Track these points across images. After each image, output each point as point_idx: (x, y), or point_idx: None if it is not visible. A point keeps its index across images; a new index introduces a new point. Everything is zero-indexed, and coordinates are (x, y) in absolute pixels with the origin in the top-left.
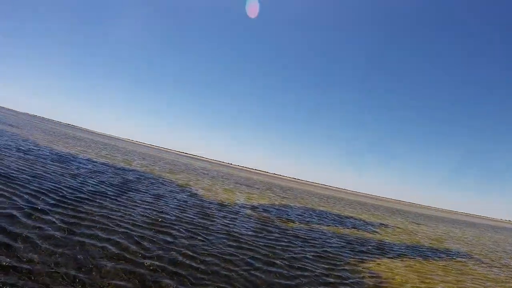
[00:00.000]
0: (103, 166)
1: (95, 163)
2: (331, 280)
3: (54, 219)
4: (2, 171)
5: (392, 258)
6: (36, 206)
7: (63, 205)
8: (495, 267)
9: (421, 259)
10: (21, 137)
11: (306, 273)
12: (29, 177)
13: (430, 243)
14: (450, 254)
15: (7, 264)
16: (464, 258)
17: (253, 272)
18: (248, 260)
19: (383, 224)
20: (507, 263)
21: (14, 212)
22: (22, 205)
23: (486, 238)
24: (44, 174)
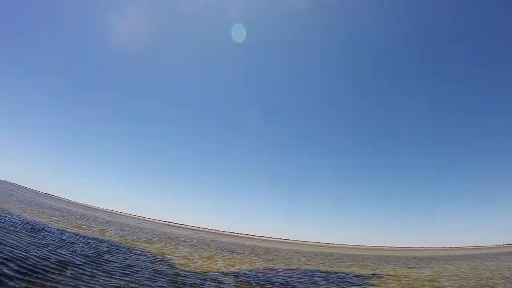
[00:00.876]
0: (76, 236)
1: (68, 234)
2: None
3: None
4: None
5: None
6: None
7: (29, 273)
8: None
9: None
10: None
11: None
12: None
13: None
14: None
15: None
16: None
17: None
18: None
19: (374, 274)
20: None
21: None
22: None
23: (480, 268)
24: (14, 242)
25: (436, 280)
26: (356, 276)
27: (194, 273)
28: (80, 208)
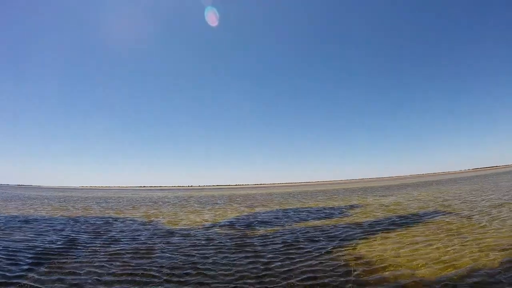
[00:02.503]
0: (68, 218)
1: (58, 218)
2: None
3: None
4: None
5: (369, 235)
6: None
7: (47, 257)
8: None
9: (401, 229)
10: None
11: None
12: None
13: (407, 212)
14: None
15: None
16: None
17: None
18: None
19: (357, 205)
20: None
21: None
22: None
23: (442, 192)
24: (19, 236)
25: (399, 204)
26: (327, 208)
27: (184, 229)
28: (54, 191)
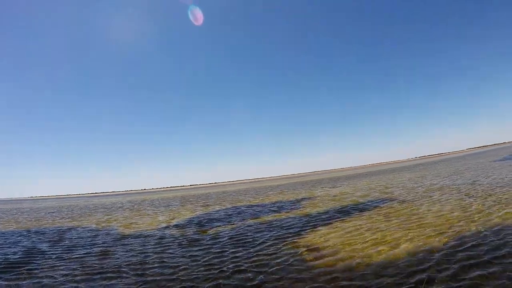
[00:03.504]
0: (17, 231)
1: (9, 232)
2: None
3: None
4: None
5: (316, 225)
6: None
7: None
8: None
9: (345, 217)
10: None
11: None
12: None
13: (352, 200)
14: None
15: None
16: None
17: None
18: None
19: (307, 198)
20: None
21: None
22: None
23: (386, 180)
24: None
25: (345, 193)
26: (277, 202)
27: (138, 232)
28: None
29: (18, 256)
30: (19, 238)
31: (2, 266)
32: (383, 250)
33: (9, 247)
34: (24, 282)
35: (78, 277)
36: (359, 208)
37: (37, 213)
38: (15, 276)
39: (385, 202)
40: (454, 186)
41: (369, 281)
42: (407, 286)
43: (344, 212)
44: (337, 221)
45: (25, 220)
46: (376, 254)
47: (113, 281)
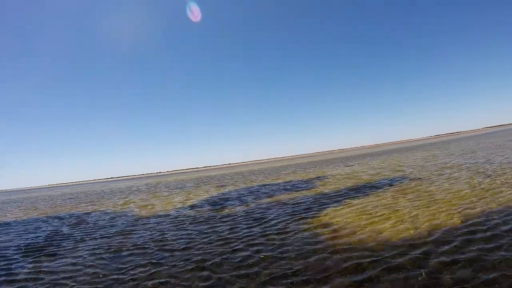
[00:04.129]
0: (38, 218)
1: (32, 219)
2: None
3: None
4: None
5: (332, 203)
6: None
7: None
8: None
9: (362, 196)
10: None
11: (262, 247)
12: None
13: (364, 179)
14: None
15: None
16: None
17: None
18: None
19: (319, 177)
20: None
21: None
22: None
23: (398, 159)
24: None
25: (356, 172)
26: (291, 182)
27: (157, 214)
28: (18, 194)
29: (43, 240)
30: (41, 223)
31: (29, 248)
32: (404, 229)
33: (33, 232)
34: (52, 263)
35: (105, 255)
36: (372, 186)
37: (55, 200)
38: (44, 257)
39: (397, 180)
40: (466, 165)
41: (382, 253)
42: (414, 256)
43: (357, 190)
44: (349, 198)
45: (44, 207)
46: (398, 233)
47: (139, 257)
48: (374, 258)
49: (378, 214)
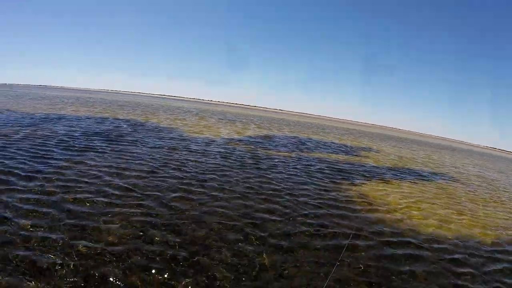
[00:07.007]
0: (96, 116)
1: (91, 116)
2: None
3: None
4: None
5: (374, 179)
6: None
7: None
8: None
9: (401, 179)
10: None
11: (299, 200)
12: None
13: (413, 165)
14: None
15: None
16: (436, 178)
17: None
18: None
19: (370, 148)
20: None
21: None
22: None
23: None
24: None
25: (407, 157)
26: (342, 145)
27: (202, 138)
28: (75, 92)
29: (113, 132)
30: (109, 121)
31: (95, 135)
32: (438, 226)
33: (105, 126)
34: (120, 146)
35: (158, 155)
36: (416, 176)
37: (109, 105)
38: (106, 144)
39: (444, 178)
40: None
41: (408, 238)
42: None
43: (402, 173)
44: (395, 181)
45: (101, 109)
46: (430, 227)
47: (181, 171)
48: (401, 239)
49: (417, 203)
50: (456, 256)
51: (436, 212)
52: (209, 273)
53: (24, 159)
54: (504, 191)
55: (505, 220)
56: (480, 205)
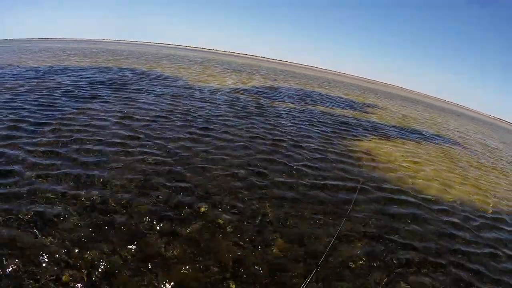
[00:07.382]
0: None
1: (95, 67)
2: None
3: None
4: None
5: (378, 137)
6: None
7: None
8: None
9: (404, 138)
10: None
11: (303, 151)
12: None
13: (417, 126)
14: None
15: None
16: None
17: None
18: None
19: (370, 104)
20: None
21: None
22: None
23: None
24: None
25: (413, 117)
26: (347, 100)
27: (207, 87)
28: (78, 43)
29: (118, 80)
30: (113, 71)
31: (113, 84)
32: (439, 186)
33: (101, 75)
34: (117, 95)
35: (163, 103)
36: (420, 136)
37: (111, 54)
38: (111, 91)
39: (447, 142)
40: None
41: (413, 197)
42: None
43: (407, 132)
44: (399, 140)
45: (104, 60)
46: (430, 186)
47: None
48: (404, 198)
49: (418, 163)
50: (455, 219)
51: (439, 174)
52: (213, 220)
53: (31, 110)
54: (508, 163)
55: (506, 191)
56: (482, 173)
